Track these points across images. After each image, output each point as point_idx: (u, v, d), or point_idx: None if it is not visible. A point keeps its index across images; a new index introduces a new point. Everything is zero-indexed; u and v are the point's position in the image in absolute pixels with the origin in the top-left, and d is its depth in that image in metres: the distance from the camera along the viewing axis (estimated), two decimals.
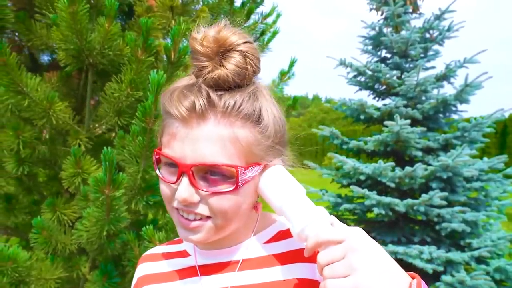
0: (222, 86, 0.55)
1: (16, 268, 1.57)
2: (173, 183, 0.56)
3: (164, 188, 0.59)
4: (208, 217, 0.57)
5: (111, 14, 1.53)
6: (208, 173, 0.55)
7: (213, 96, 0.55)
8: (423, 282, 0.50)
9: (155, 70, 1.36)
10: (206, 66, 0.55)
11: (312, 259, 0.56)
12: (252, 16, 2.45)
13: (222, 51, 0.55)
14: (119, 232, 1.61)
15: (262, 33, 2.49)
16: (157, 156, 0.60)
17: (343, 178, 3.68)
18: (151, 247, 1.61)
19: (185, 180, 0.55)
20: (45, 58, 2.17)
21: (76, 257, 1.83)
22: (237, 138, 0.55)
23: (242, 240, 0.64)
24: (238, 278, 0.62)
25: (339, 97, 4.41)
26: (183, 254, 0.68)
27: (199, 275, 0.64)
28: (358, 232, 0.51)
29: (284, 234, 0.64)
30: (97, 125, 1.74)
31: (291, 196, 0.57)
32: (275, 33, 2.46)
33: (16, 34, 1.94)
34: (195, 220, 0.57)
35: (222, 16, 2.32)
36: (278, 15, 2.65)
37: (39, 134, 1.78)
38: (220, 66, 0.55)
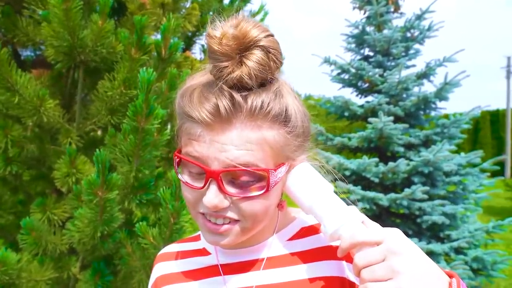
0: (245, 86, 0.51)
1: (6, 271, 1.53)
2: (199, 189, 0.53)
3: (188, 194, 0.56)
4: (236, 221, 0.55)
5: (104, 11, 1.51)
6: (237, 178, 0.53)
7: (238, 98, 0.51)
8: (461, 280, 0.50)
9: (144, 68, 1.34)
10: (226, 66, 0.51)
11: (339, 256, 0.55)
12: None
13: (242, 48, 0.50)
14: (113, 232, 1.60)
15: None
16: (177, 160, 0.56)
17: (328, 174, 3.75)
18: (144, 244, 1.62)
19: (213, 186, 0.52)
20: (29, 55, 2.12)
21: (65, 257, 1.80)
22: (266, 141, 0.52)
23: (265, 238, 0.62)
24: (263, 277, 0.60)
25: (318, 94, 4.48)
26: (203, 252, 0.66)
27: (222, 274, 0.62)
28: (397, 233, 0.49)
29: (308, 231, 0.63)
30: (88, 123, 1.71)
31: (320, 195, 0.55)
32: None
33: (0, 29, 1.88)
34: (223, 224, 0.55)
35: (211, 13, 2.32)
36: (266, 14, 2.67)
37: (28, 133, 1.74)
38: (241, 65, 0.51)
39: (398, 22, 7.63)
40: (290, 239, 0.63)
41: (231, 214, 0.54)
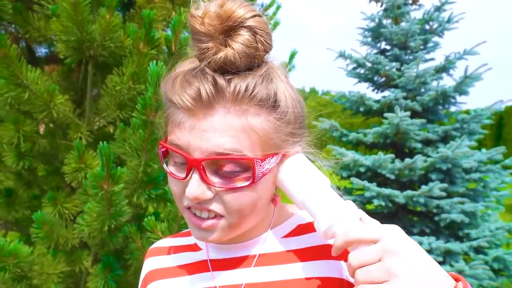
0: (230, 69, 0.48)
1: (18, 263, 1.56)
2: (182, 179, 0.50)
3: (173, 186, 0.53)
4: (221, 216, 0.51)
5: (112, 5, 1.50)
6: (221, 167, 0.49)
7: (220, 81, 0.47)
8: (469, 285, 0.45)
9: (154, 62, 1.33)
10: (210, 47, 0.47)
11: (339, 256, 0.51)
12: None
13: (227, 29, 0.47)
14: (121, 226, 1.60)
15: None
16: (163, 149, 0.53)
17: (343, 170, 3.69)
18: (154, 238, 1.62)
19: (195, 176, 0.49)
20: (42, 51, 2.14)
21: (77, 251, 1.82)
22: (251, 127, 0.48)
23: (259, 234, 0.59)
24: (254, 274, 0.57)
25: (336, 90, 4.39)
26: (193, 247, 0.63)
27: (211, 270, 0.59)
28: (396, 231, 0.45)
29: (305, 228, 0.59)
30: (97, 118, 1.72)
31: (314, 189, 0.51)
32: (276, 25, 2.43)
33: (13, 26, 1.91)
34: (208, 218, 0.51)
35: None
36: (278, 7, 2.62)
37: (39, 128, 1.76)
38: (226, 46, 0.47)
39: (416, 14, 7.45)
40: (286, 236, 0.59)
41: (215, 207, 0.50)
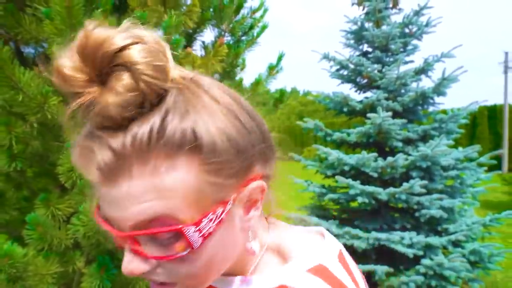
0: (118, 121, 0.36)
1: (13, 264, 1.56)
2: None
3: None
4: (173, 284, 0.43)
5: (107, 7, 1.53)
6: (154, 236, 0.40)
7: (112, 143, 0.37)
8: None
9: None
10: (83, 102, 0.36)
11: None
12: (241, 11, 2.47)
13: (98, 73, 0.36)
14: None
15: (251, 27, 2.53)
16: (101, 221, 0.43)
17: (327, 169, 3.79)
18: None
19: (126, 252, 0.41)
20: (30, 52, 2.13)
21: (70, 252, 1.83)
22: (167, 188, 0.38)
23: (235, 275, 0.49)
24: None
25: (316, 90, 4.50)
26: None
27: None
28: None
29: None
30: None
31: None
32: (264, 28, 2.50)
33: (3, 27, 1.90)
34: (161, 285, 0.43)
35: (211, 10, 2.34)
36: (265, 10, 2.69)
37: (32, 130, 1.76)
38: (102, 91, 0.36)
39: (396, 18, 7.67)
40: None
41: (162, 277, 0.42)
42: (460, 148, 3.75)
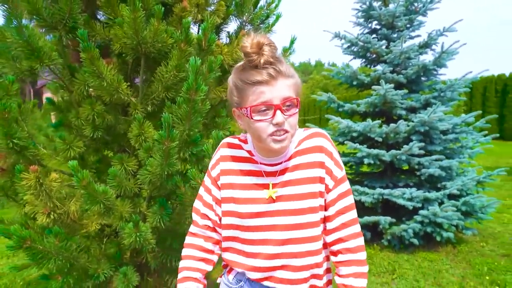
0: (272, 61, 0.95)
1: (107, 199, 2.23)
2: (270, 118, 0.95)
3: (260, 125, 0.96)
4: (287, 131, 0.97)
5: (159, 16, 2.10)
6: (285, 106, 0.95)
7: (275, 66, 0.95)
8: None
9: (193, 57, 1.94)
10: (257, 56, 0.95)
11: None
12: (258, 4, 2.97)
13: (258, 50, 0.95)
14: (173, 173, 2.26)
15: (267, 16, 3.02)
16: (250, 108, 0.96)
17: (339, 136, 4.31)
18: (194, 185, 2.28)
19: (278, 112, 0.94)
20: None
21: (136, 198, 2.50)
22: (293, 84, 0.98)
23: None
24: (287, 176, 1.06)
25: (341, 62, 4.94)
26: (250, 160, 1.10)
27: (264, 176, 1.07)
28: None
29: (300, 142, 1.08)
30: (149, 98, 2.35)
31: None
32: (278, 17, 2.99)
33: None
34: (283, 134, 0.97)
35: (233, 6, 2.87)
36: (279, 1, 3.16)
37: (107, 107, 2.40)
38: (262, 55, 0.95)
39: None
40: (296, 152, 1.08)
41: (287, 127, 0.97)
42: (463, 115, 4.15)
